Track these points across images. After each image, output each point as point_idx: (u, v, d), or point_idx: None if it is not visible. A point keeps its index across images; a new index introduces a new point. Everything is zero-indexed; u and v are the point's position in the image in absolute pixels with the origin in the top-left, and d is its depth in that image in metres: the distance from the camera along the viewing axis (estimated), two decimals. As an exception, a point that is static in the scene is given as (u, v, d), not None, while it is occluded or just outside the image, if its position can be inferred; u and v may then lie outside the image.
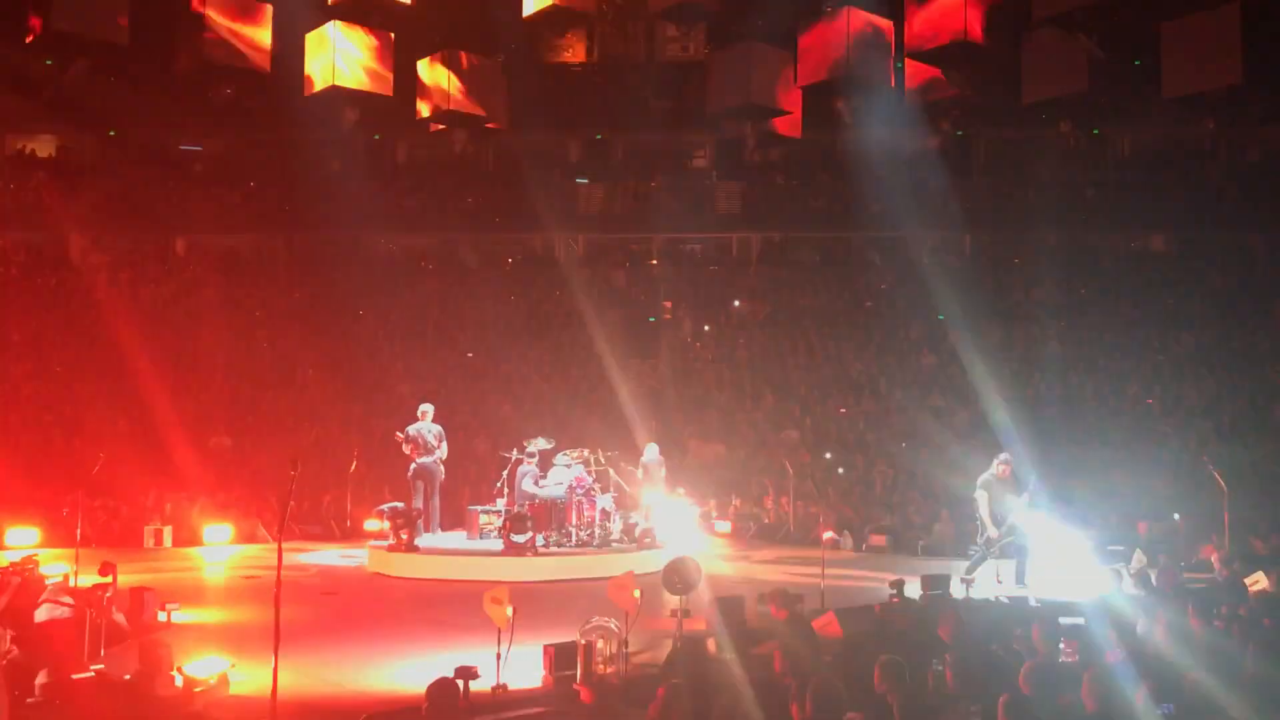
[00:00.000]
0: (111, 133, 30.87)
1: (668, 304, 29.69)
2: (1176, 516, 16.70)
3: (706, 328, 28.50)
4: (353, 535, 19.07)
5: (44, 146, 31.42)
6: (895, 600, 11.95)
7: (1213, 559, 14.70)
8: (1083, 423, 22.07)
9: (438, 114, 17.14)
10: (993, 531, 13.99)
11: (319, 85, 16.16)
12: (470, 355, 26.78)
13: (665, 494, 18.60)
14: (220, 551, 18.00)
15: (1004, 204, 28.04)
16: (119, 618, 10.63)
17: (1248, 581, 12.88)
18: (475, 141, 31.31)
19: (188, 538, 18.55)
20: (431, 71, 16.99)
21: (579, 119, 30.14)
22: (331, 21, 15.83)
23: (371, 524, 18.51)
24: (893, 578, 12.45)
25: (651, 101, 29.20)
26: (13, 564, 11.21)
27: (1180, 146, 28.88)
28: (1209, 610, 8.68)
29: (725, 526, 20.52)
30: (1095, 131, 30.68)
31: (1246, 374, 23.02)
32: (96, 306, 25.93)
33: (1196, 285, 26.73)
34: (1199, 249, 28.58)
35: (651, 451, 19.10)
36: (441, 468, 16.52)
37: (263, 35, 15.37)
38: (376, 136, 30.98)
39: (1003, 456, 14.50)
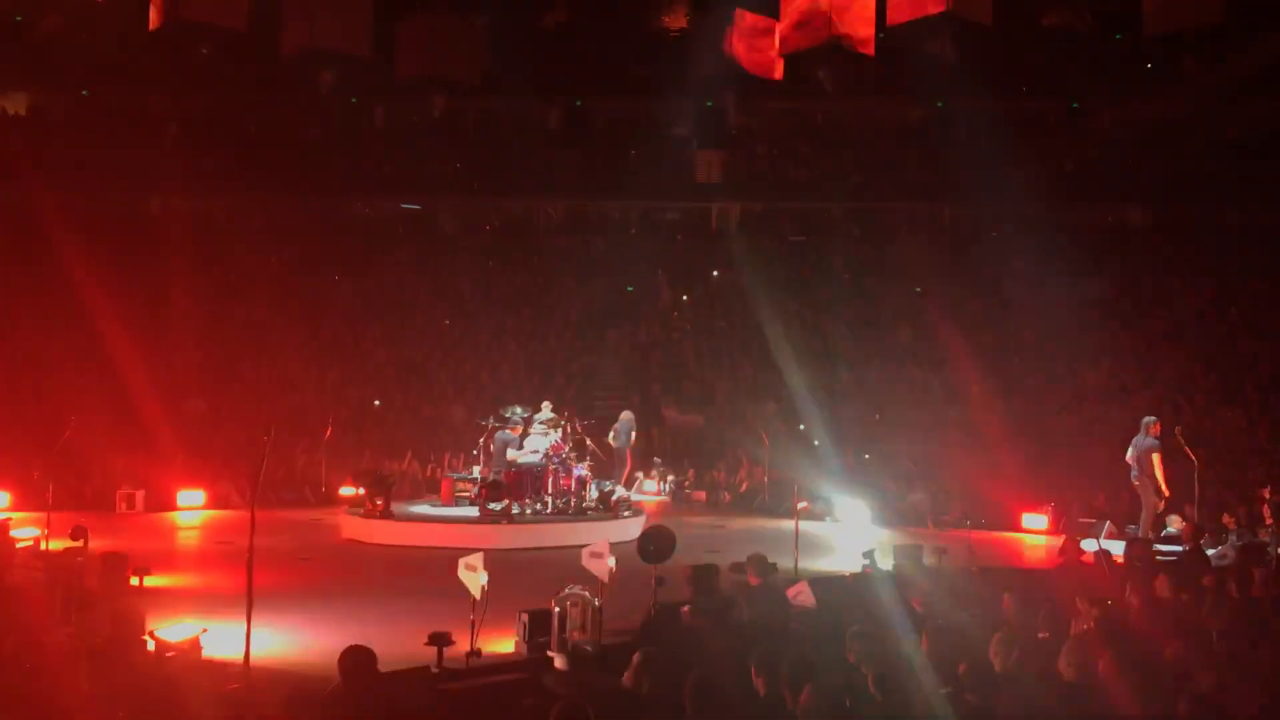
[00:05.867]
0: (85, 92, 30.41)
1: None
2: None
3: (685, 297, 28.46)
4: (327, 501, 19.00)
5: (16, 105, 30.93)
6: (868, 570, 12.03)
7: (1182, 531, 14.89)
8: (1056, 395, 22.24)
9: (415, 78, 16.93)
10: (1166, 491, 14.37)
11: (295, 46, 15.92)
12: (447, 322, 26.67)
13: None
14: (193, 516, 17.92)
15: (983, 177, 28.05)
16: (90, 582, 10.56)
17: (1214, 553, 13.04)
18: (453, 106, 31.15)
19: (160, 502, 18.44)
20: (409, 33, 16.76)
21: (559, 85, 29.94)
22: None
23: (346, 490, 18.47)
24: (866, 547, 12.52)
25: (632, 68, 29.07)
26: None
27: (1159, 121, 28.94)
28: (1178, 581, 8.77)
29: (702, 495, 20.60)
30: (1074, 105, 30.73)
31: (1220, 348, 23.21)
32: (68, 268, 25.63)
33: (1173, 260, 26.87)
34: (1176, 224, 28.71)
35: (625, 417, 19.33)
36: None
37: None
38: (353, 100, 30.69)
39: (1150, 419, 14.90)
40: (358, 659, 5.85)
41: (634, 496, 18.81)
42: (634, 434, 20.37)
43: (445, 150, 30.58)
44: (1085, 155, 29.34)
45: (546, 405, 17.37)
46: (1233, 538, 13.98)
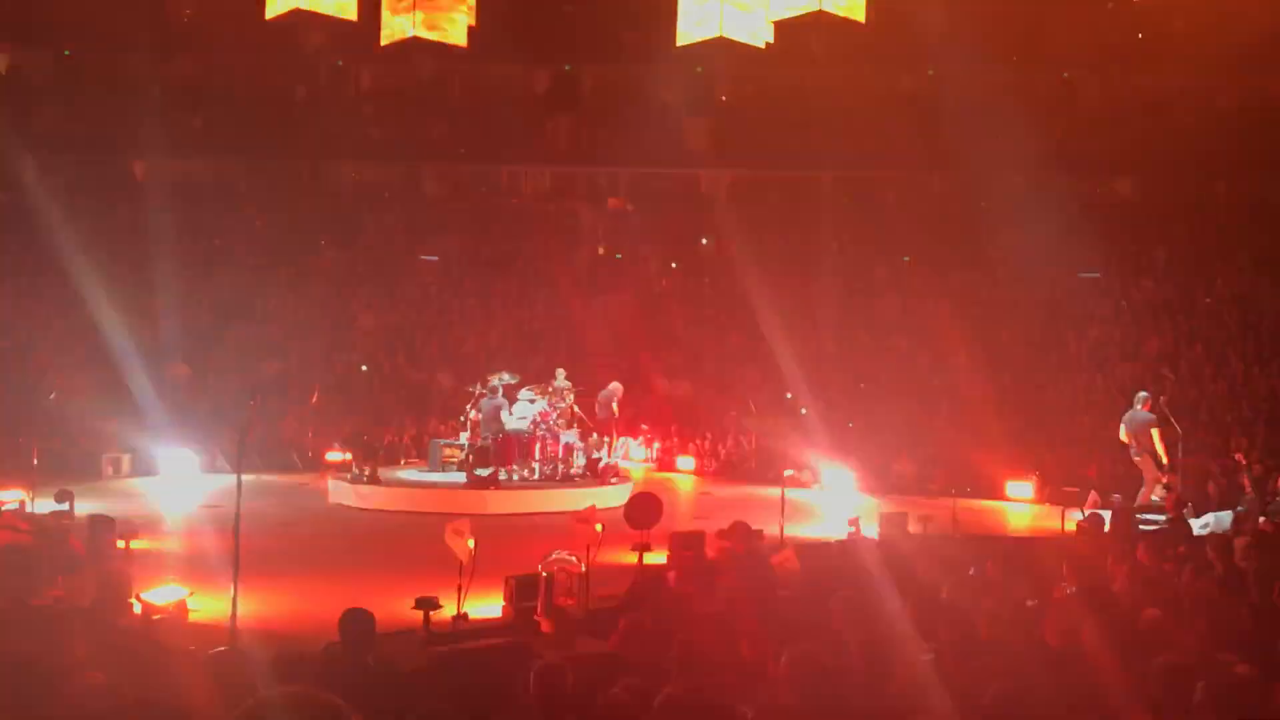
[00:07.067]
0: (67, 52, 30.04)
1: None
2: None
3: (673, 265, 28.39)
4: (314, 466, 18.99)
5: (-4, 64, 30.56)
6: (854, 537, 12.10)
7: (1165, 500, 15.01)
8: (1043, 366, 22.32)
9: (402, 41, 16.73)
10: (1165, 461, 14.56)
11: (281, 8, 15.71)
12: (434, 288, 26.57)
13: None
14: (179, 481, 17.88)
15: (972, 146, 28.01)
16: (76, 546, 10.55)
17: (1198, 523, 13.14)
18: (441, 70, 30.89)
19: (146, 467, 18.40)
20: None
21: (547, 50, 29.72)
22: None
23: (333, 455, 18.48)
24: (852, 515, 12.59)
25: (621, 33, 28.85)
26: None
27: (1150, 92, 28.89)
28: (1159, 550, 8.84)
29: (689, 462, 20.65)
30: (1065, 75, 30.62)
31: (1205, 320, 23.31)
32: (52, 230, 25.40)
33: (1160, 231, 26.91)
34: (1165, 195, 28.72)
35: (610, 387, 19.32)
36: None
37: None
38: (339, 63, 30.41)
39: (1144, 394, 15.09)
40: (357, 620, 5.95)
41: (622, 464, 18.85)
42: (616, 404, 20.21)
43: (432, 115, 30.37)
44: (1075, 125, 29.29)
45: (561, 372, 17.44)
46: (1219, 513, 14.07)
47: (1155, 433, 14.90)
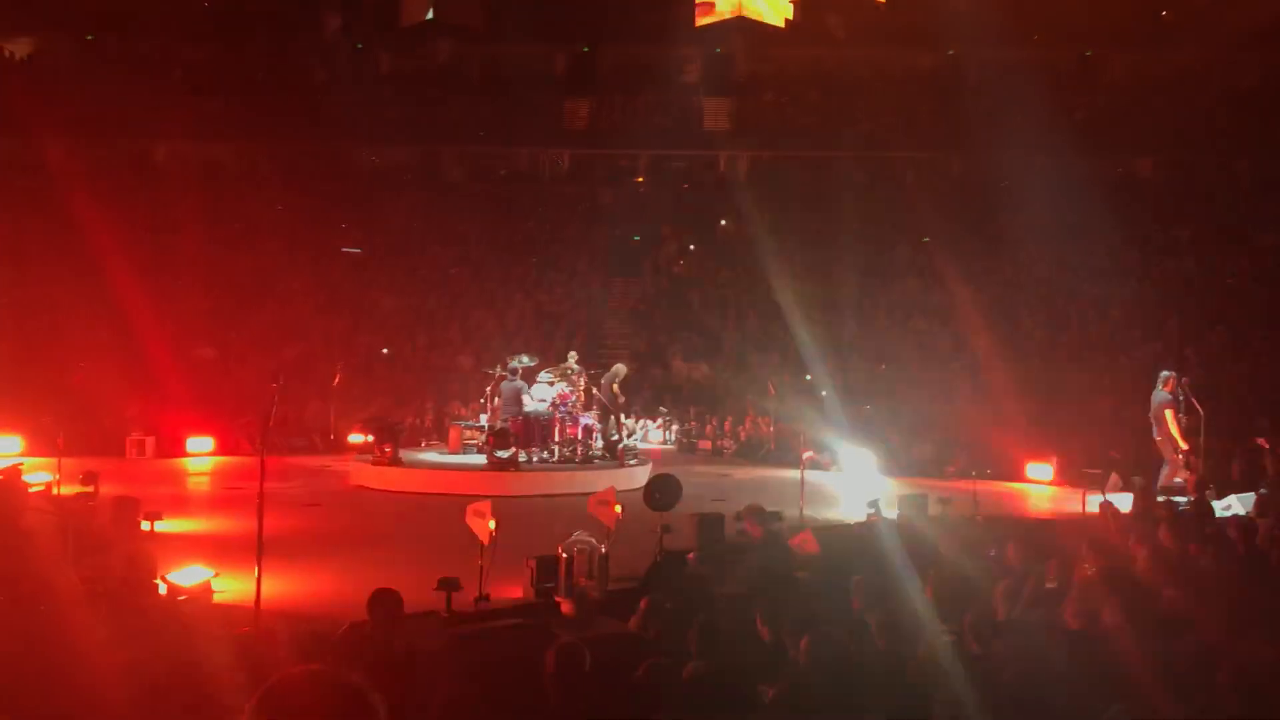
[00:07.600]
0: (90, 36, 30.19)
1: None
2: None
3: (692, 246, 28.34)
4: (336, 448, 19.11)
5: (20, 49, 30.69)
6: (873, 519, 12.08)
7: (1187, 482, 14.94)
8: (1064, 346, 22.20)
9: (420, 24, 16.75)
10: (1184, 445, 14.47)
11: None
12: (454, 270, 26.63)
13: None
14: (202, 462, 18.03)
15: (993, 126, 27.84)
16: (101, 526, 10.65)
17: (1220, 505, 13.07)
18: (459, 52, 30.88)
19: (170, 449, 18.55)
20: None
21: (566, 31, 29.66)
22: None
23: (355, 437, 18.57)
24: (871, 497, 12.56)
25: (640, 14, 28.73)
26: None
27: (1172, 70, 28.61)
28: (1181, 532, 8.80)
29: (707, 445, 20.66)
30: (1086, 54, 30.37)
31: (1227, 300, 23.12)
32: (75, 214, 25.56)
33: (1182, 211, 26.69)
34: (1186, 175, 28.48)
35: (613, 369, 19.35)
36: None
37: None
38: (359, 46, 30.43)
39: (1166, 374, 14.99)
40: (386, 600, 6.06)
41: (640, 445, 18.87)
42: (617, 386, 20.07)
43: (451, 97, 30.37)
44: (1096, 104, 29.06)
45: (572, 355, 17.46)
46: (1242, 495, 13.98)
47: (1169, 414, 14.77)
